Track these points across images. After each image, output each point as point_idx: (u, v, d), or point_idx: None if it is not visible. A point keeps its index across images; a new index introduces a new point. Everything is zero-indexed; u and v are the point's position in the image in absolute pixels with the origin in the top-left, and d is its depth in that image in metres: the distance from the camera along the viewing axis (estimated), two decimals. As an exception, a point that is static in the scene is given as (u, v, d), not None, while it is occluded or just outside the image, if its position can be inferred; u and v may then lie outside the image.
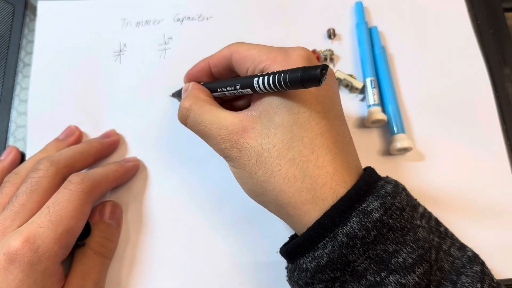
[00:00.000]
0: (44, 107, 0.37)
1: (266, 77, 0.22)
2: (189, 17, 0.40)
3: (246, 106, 0.30)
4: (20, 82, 0.38)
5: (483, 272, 0.23)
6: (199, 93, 0.28)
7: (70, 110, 0.36)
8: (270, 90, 0.23)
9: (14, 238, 0.25)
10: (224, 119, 0.25)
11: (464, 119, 0.37)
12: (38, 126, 0.36)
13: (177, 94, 0.35)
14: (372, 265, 0.21)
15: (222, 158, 0.26)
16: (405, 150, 0.34)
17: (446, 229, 0.27)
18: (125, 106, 0.37)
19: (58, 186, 0.29)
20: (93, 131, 0.36)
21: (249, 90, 0.24)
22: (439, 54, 0.39)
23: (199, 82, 0.30)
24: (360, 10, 0.40)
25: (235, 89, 0.25)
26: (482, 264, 0.24)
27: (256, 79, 0.23)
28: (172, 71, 0.38)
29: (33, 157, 0.32)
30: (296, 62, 0.24)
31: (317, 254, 0.22)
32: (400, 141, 0.34)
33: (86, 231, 0.30)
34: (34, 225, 0.26)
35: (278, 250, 0.26)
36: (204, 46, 0.39)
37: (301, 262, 0.23)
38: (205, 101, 0.27)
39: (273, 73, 0.22)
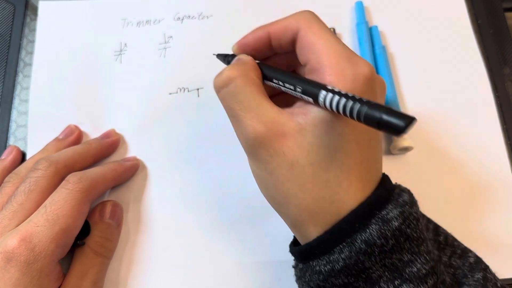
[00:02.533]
0: (44, 107, 0.37)
1: (336, 97, 0.20)
2: (189, 16, 0.40)
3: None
4: (21, 82, 0.38)
5: (485, 279, 0.23)
6: (251, 71, 0.24)
7: (70, 109, 0.36)
8: (335, 112, 0.20)
9: (11, 237, 0.25)
10: (265, 111, 0.22)
11: (464, 119, 0.37)
12: (38, 125, 0.36)
13: (222, 58, 0.29)
14: (386, 273, 0.21)
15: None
16: (405, 149, 0.34)
17: (446, 237, 0.27)
18: (125, 106, 0.37)
19: (57, 186, 0.29)
20: (93, 131, 0.36)
21: (310, 99, 0.21)
22: (439, 54, 0.39)
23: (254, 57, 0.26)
24: (360, 9, 0.40)
25: (294, 90, 0.22)
26: (485, 269, 0.24)
27: (324, 93, 0.20)
28: (172, 69, 0.38)
29: (33, 157, 0.32)
30: (362, 87, 0.22)
31: (333, 258, 0.21)
32: (401, 141, 0.34)
33: (86, 231, 0.30)
34: (30, 224, 0.26)
35: (281, 249, 0.26)
36: (204, 45, 0.39)
37: (314, 264, 0.22)
38: (253, 82, 0.23)
39: (347, 97, 0.19)
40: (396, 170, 0.35)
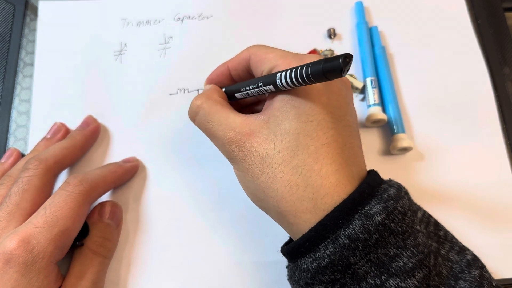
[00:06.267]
0: (46, 107, 0.37)
1: (288, 72, 0.22)
2: (189, 16, 0.40)
3: None
4: (21, 82, 0.38)
5: (482, 277, 0.23)
6: (213, 93, 0.28)
7: (70, 110, 0.37)
8: (292, 86, 0.23)
9: (10, 239, 0.25)
10: (232, 121, 0.25)
11: (464, 119, 0.37)
12: (39, 126, 0.36)
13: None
14: (372, 268, 0.21)
15: (224, 159, 0.26)
16: (405, 149, 0.34)
17: (445, 233, 0.27)
18: (125, 106, 0.37)
19: (50, 184, 0.29)
20: (93, 131, 0.36)
21: (271, 87, 0.24)
22: (439, 54, 0.39)
23: (220, 87, 0.30)
24: (360, 9, 0.40)
25: (258, 86, 0.25)
26: (481, 268, 0.24)
27: (279, 74, 0.23)
28: (172, 70, 0.38)
29: (24, 158, 0.32)
30: None
31: (318, 255, 0.22)
32: (400, 141, 0.34)
33: (85, 231, 0.30)
34: (30, 225, 0.26)
35: (279, 249, 0.26)
36: (204, 45, 0.39)
37: (302, 262, 0.23)
38: (216, 101, 0.27)
39: (296, 68, 0.22)
40: (396, 170, 0.35)
